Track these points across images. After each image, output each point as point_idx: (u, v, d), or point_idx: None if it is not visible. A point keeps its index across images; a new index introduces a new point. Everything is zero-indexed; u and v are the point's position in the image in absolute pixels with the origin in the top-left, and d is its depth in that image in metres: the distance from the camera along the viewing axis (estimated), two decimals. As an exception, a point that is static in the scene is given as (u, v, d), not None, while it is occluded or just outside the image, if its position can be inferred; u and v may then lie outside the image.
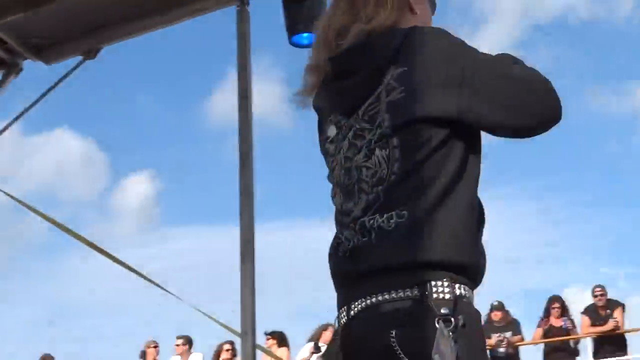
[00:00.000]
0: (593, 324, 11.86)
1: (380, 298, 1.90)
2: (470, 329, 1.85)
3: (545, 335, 12.11)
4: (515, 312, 12.65)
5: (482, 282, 2.00)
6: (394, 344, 1.83)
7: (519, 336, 12.27)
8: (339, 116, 2.12)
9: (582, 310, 12.20)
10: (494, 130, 2.02)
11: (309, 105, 2.25)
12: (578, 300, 13.24)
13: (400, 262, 1.90)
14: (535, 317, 12.45)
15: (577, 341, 12.17)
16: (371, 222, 1.96)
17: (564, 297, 12.38)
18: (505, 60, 2.02)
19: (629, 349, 11.90)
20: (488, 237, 2.04)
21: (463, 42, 2.03)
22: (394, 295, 1.89)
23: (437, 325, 1.80)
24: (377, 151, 2.00)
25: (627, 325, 12.08)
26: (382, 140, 2.00)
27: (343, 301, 2.01)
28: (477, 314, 1.96)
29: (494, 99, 1.95)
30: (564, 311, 12.14)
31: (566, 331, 12.00)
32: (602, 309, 11.93)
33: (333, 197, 2.15)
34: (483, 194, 2.03)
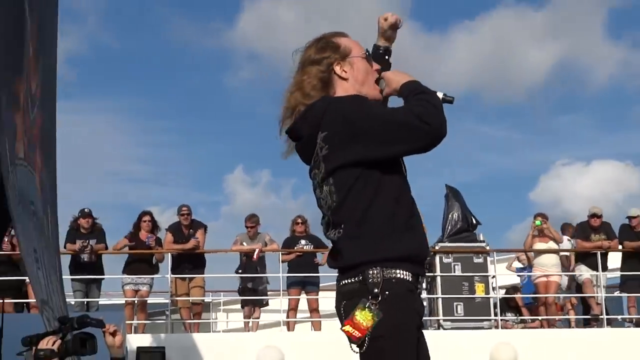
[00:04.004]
0: (176, 241, 11.68)
1: (341, 283, 2.77)
2: (393, 300, 2.65)
3: (133, 247, 11.64)
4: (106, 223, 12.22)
5: (422, 257, 2.83)
6: (342, 310, 2.74)
7: (103, 244, 11.59)
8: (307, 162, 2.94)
9: (167, 226, 11.97)
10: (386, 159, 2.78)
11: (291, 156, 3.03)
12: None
13: (347, 262, 2.73)
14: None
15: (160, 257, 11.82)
16: (329, 234, 2.84)
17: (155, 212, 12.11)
18: (388, 111, 2.85)
19: (206, 268, 11.89)
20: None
21: (361, 102, 2.80)
22: (347, 278, 2.74)
23: (362, 302, 2.66)
24: (324, 187, 2.81)
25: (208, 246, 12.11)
26: (324, 180, 2.80)
27: None
28: (401, 284, 2.70)
29: (381, 141, 2.71)
30: (154, 226, 11.78)
31: (149, 246, 11.59)
32: (185, 228, 11.75)
33: None
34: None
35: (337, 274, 2.81)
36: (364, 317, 2.60)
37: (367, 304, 2.60)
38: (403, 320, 2.65)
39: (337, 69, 2.91)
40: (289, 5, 31.79)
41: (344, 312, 2.67)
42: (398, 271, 2.66)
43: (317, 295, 11.82)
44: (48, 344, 4.09)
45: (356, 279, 2.66)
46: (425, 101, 2.73)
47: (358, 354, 2.67)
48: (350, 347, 2.66)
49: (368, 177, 2.72)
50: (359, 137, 2.69)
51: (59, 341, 4.13)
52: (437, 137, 2.70)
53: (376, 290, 2.61)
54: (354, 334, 2.61)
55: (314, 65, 2.91)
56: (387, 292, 2.62)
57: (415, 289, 2.74)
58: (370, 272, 2.63)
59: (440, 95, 2.86)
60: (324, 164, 2.75)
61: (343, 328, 2.64)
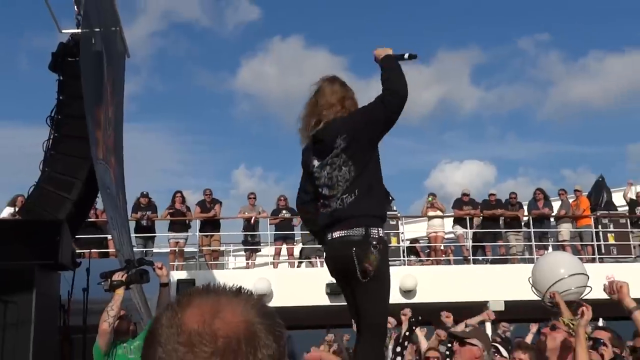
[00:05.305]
0: (202, 212, 11.55)
1: (348, 232, 2.65)
2: (383, 250, 2.64)
3: (171, 215, 11.52)
4: (158, 200, 11.93)
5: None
6: (354, 254, 2.60)
7: (155, 214, 11.49)
8: (319, 158, 2.79)
9: (196, 202, 11.78)
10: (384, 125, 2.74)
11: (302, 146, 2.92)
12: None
13: (356, 215, 2.64)
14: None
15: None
16: (345, 198, 2.68)
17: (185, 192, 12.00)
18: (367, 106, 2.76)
19: (221, 229, 11.76)
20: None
21: (355, 111, 2.82)
22: (353, 232, 2.64)
23: (371, 248, 2.59)
24: (343, 168, 2.70)
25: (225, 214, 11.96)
26: (344, 163, 2.70)
27: (325, 233, 2.74)
28: (384, 240, 2.69)
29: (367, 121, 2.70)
30: (183, 199, 11.66)
31: (182, 214, 11.48)
32: (208, 203, 11.63)
33: (320, 190, 2.78)
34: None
35: (338, 229, 2.67)
36: (373, 259, 2.61)
37: (374, 252, 2.59)
38: (387, 261, 2.72)
39: (355, 98, 2.89)
40: (271, 63, 32.48)
41: (356, 256, 2.59)
42: (381, 230, 2.66)
43: (293, 245, 11.76)
44: (118, 276, 4.12)
45: (360, 231, 2.61)
46: (386, 87, 2.68)
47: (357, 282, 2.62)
48: (358, 276, 2.59)
49: (372, 158, 2.71)
50: (356, 132, 2.69)
51: (126, 275, 4.15)
52: (392, 109, 2.64)
53: (375, 242, 2.60)
54: (369, 268, 2.61)
55: (342, 95, 2.84)
56: (380, 245, 2.62)
57: None
58: (372, 230, 2.61)
59: (406, 55, 2.73)
60: (343, 154, 2.69)
61: (366, 266, 2.60)
